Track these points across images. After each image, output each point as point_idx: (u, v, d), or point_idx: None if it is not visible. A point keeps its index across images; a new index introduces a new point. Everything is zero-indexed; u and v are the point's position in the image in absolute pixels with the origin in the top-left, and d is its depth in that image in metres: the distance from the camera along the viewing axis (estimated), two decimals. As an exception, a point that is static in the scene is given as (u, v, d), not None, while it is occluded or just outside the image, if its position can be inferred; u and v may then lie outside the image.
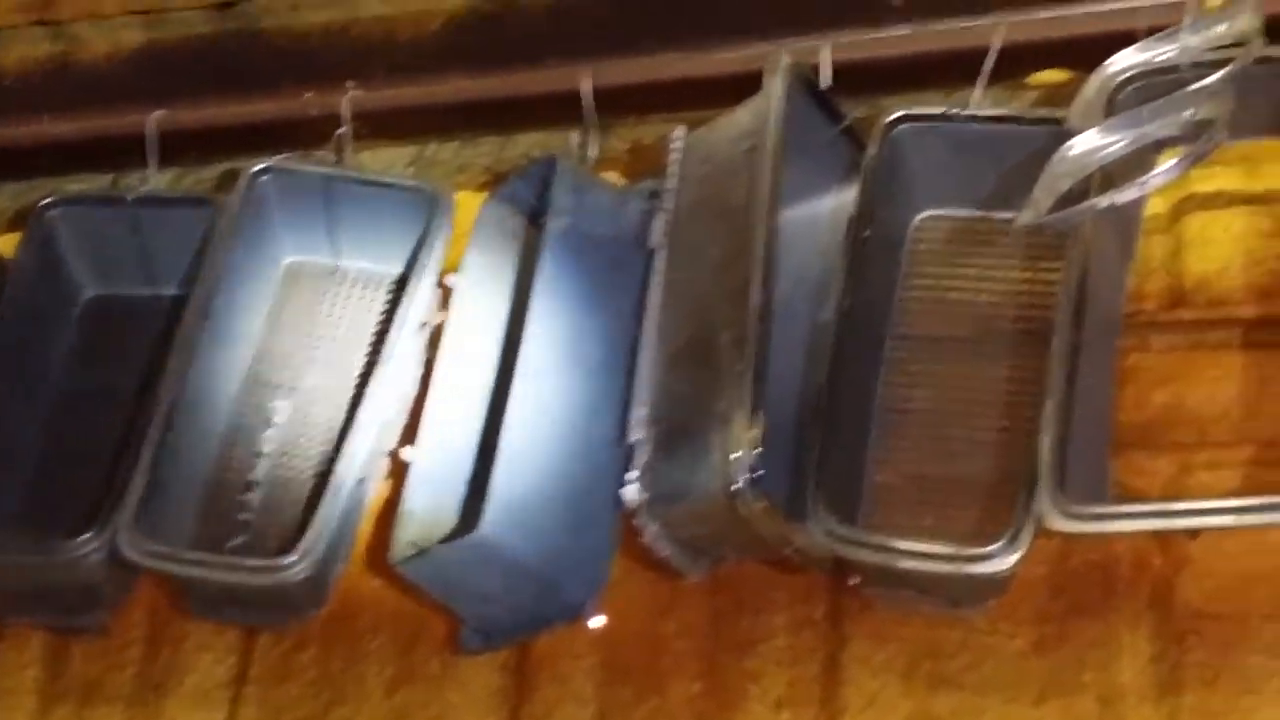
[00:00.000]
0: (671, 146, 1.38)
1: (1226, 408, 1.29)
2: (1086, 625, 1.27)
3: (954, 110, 1.33)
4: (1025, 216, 1.20)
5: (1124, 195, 1.15)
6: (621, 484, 1.26)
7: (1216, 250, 1.34)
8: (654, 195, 1.38)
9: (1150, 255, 1.35)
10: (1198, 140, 1.13)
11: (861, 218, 1.31)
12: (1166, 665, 1.24)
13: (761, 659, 1.34)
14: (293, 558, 1.31)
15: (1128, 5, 1.31)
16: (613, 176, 1.51)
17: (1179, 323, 1.32)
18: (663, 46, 1.47)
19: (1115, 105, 1.27)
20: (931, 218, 1.38)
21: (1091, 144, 1.20)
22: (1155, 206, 1.37)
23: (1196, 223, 1.35)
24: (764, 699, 1.33)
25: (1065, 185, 1.20)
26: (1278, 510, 1.12)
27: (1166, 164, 1.16)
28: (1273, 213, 1.32)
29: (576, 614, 1.31)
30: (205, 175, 1.63)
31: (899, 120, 1.34)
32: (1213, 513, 1.16)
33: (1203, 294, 1.33)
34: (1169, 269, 1.35)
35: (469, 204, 1.48)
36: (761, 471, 1.19)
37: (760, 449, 1.19)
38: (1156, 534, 1.25)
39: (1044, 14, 1.35)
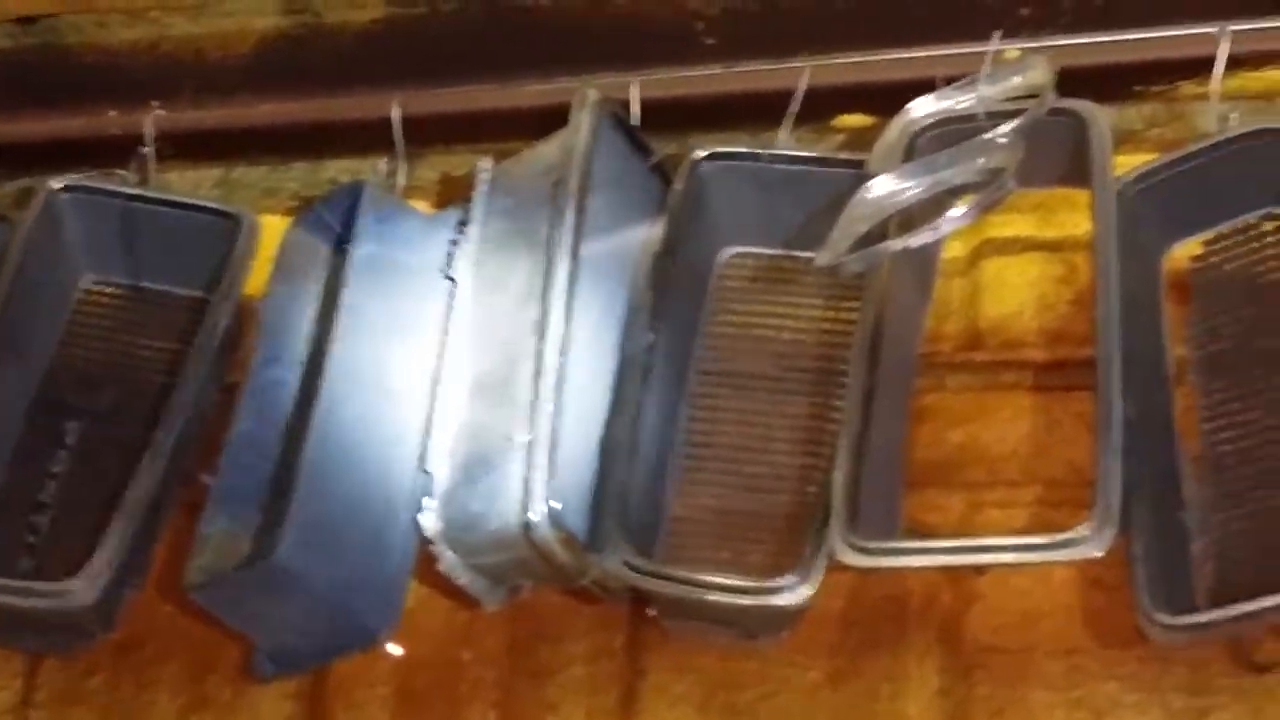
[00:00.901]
0: (478, 177, 1.38)
1: (1017, 447, 1.32)
2: (878, 658, 1.29)
3: (760, 150, 1.35)
4: (824, 257, 1.22)
5: (917, 239, 1.18)
6: (420, 512, 1.26)
7: (1011, 294, 1.38)
8: (461, 224, 1.37)
9: (948, 298, 1.38)
10: (989, 187, 1.17)
11: (666, 253, 1.33)
12: (954, 698, 1.27)
13: (560, 688, 1.34)
14: (78, 581, 1.28)
15: (928, 54, 1.34)
16: (422, 205, 1.50)
17: (974, 364, 1.35)
18: (475, 77, 1.46)
19: (914, 150, 1.30)
20: (737, 255, 1.40)
21: (889, 188, 1.23)
22: (954, 250, 1.40)
23: (993, 267, 1.39)
24: (561, 728, 1.37)
25: (863, 227, 1.23)
26: (1061, 548, 1.14)
27: (959, 209, 1.19)
28: (1065, 259, 1.36)
29: (372, 642, 1.29)
30: (4, 191, 1.59)
31: (706, 158, 1.35)
32: (998, 550, 1.19)
33: (997, 337, 1.36)
34: (965, 312, 1.38)
35: (277, 228, 1.46)
36: (559, 503, 1.20)
37: (557, 480, 1.21)
38: (947, 570, 1.28)
39: (848, 59, 1.37)
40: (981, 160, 1.20)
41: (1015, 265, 1.39)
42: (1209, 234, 1.30)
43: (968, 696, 1.27)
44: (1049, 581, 1.28)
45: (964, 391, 1.35)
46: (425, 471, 1.27)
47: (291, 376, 1.37)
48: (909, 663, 1.28)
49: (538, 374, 1.23)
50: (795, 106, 1.35)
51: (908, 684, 1.28)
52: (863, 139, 1.39)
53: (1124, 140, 1.37)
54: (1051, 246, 1.38)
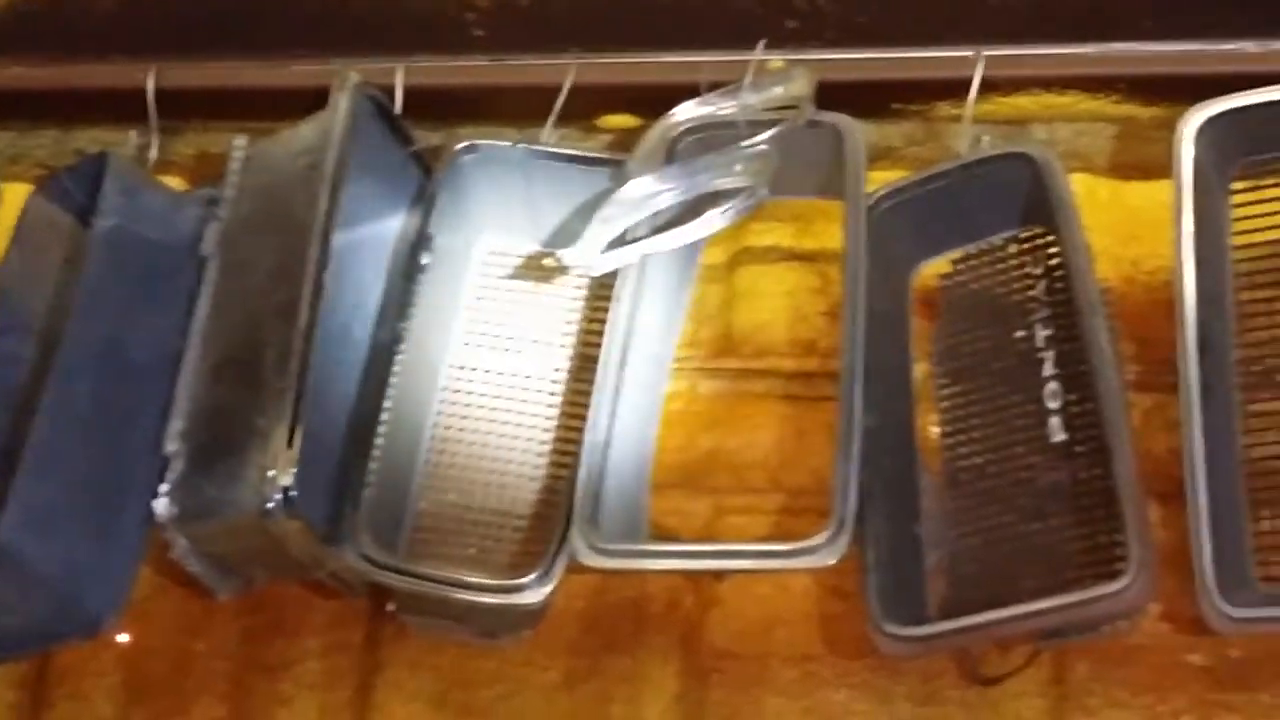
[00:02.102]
0: (232, 155, 1.35)
1: (764, 455, 1.33)
2: (618, 660, 1.29)
3: (521, 145, 1.34)
4: (575, 255, 1.22)
5: (668, 241, 1.19)
6: (154, 496, 1.23)
7: (766, 303, 1.39)
8: (212, 203, 1.34)
9: (705, 303, 1.39)
10: (742, 194, 1.18)
11: (420, 244, 1.31)
12: (690, 702, 1.27)
13: (293, 682, 1.32)
14: None
15: (694, 59, 1.34)
16: (177, 182, 1.46)
17: (726, 370, 1.36)
18: (236, 53, 1.44)
19: (675, 153, 1.30)
20: (496, 249, 1.39)
21: (645, 189, 1.23)
22: (713, 256, 1.41)
23: (749, 275, 1.40)
24: (292, 723, 1.34)
25: (618, 227, 1.23)
26: (797, 556, 1.16)
27: (712, 214, 1.20)
28: (820, 270, 1.37)
29: (97, 629, 1.25)
30: None
31: (466, 149, 1.34)
32: (737, 555, 1.21)
33: (750, 344, 1.37)
34: (721, 318, 1.39)
35: (21, 196, 1.40)
36: (296, 492, 1.17)
37: (297, 469, 1.18)
38: (689, 574, 1.29)
39: (615, 59, 1.37)
40: (738, 167, 1.21)
41: (771, 274, 1.40)
42: (957, 253, 1.33)
43: (703, 701, 1.27)
44: (789, 589, 1.29)
45: (715, 397, 1.36)
46: (162, 454, 1.24)
47: (25, 349, 1.32)
48: (649, 666, 1.29)
49: (282, 359, 1.20)
50: (560, 103, 1.34)
51: (646, 686, 1.28)
52: (629, 140, 1.38)
53: (882, 156, 1.40)
54: (808, 257, 1.39)
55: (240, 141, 1.36)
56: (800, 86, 1.29)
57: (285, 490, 1.17)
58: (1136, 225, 1.35)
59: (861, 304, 1.23)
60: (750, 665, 1.28)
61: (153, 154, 1.41)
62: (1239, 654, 1.21)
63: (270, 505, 1.17)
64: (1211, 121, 1.22)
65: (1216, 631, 1.13)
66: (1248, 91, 1.23)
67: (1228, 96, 1.23)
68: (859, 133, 1.28)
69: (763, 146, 1.22)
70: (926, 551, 1.24)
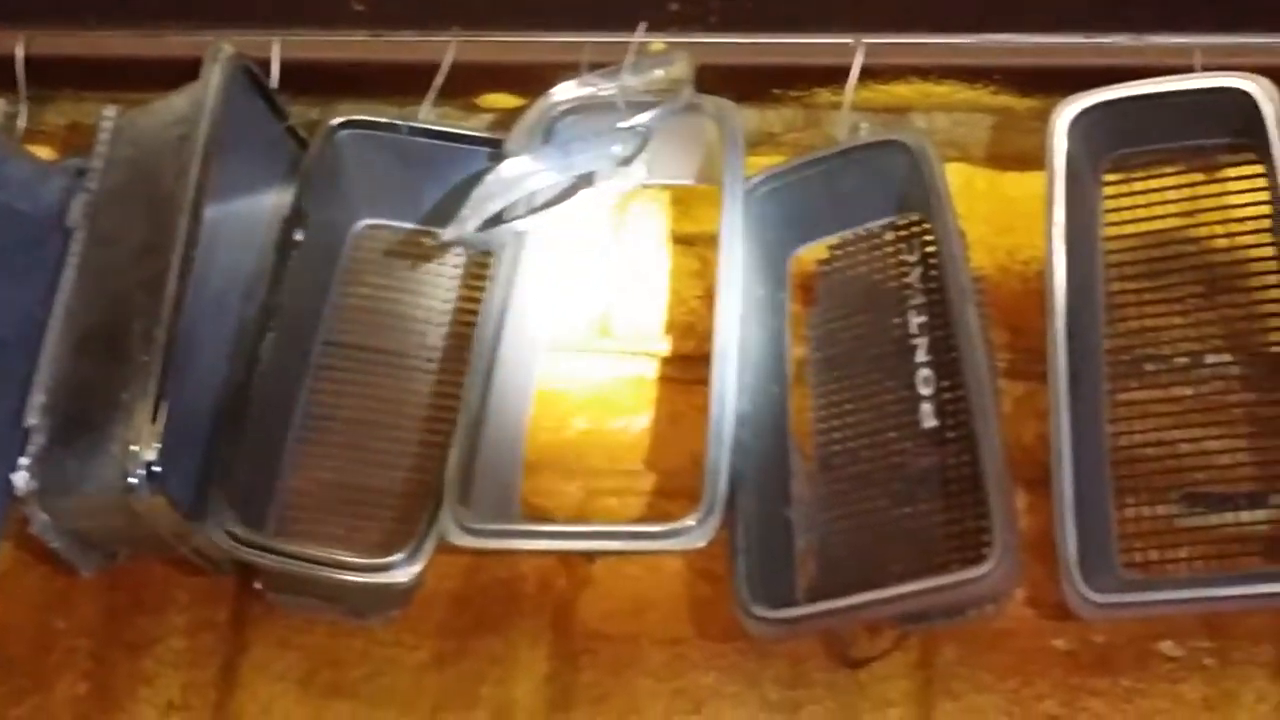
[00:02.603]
0: (101, 125, 1.32)
1: (638, 437, 1.33)
2: (488, 641, 1.29)
3: (398, 121, 1.33)
4: (449, 232, 1.22)
5: (544, 222, 1.18)
6: (14, 470, 1.21)
7: (645, 285, 1.38)
8: (80, 173, 1.32)
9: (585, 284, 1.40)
10: (618, 175, 1.18)
11: (294, 219, 1.29)
12: (560, 683, 1.27)
13: (156, 660, 1.31)
14: None
15: (575, 39, 1.33)
16: (47, 152, 1.44)
17: (603, 352, 1.36)
18: (109, 22, 1.41)
19: (553, 133, 1.30)
20: (371, 226, 1.38)
21: (521, 169, 1.23)
22: (595, 237, 1.41)
23: (629, 257, 1.39)
24: (154, 701, 1.30)
25: (494, 206, 1.23)
26: (667, 538, 1.16)
27: (584, 195, 1.20)
28: (699, 254, 1.38)
29: (-49, 606, 1.25)
30: None
31: (342, 125, 1.33)
32: (607, 537, 1.20)
33: (628, 326, 1.38)
34: (600, 299, 1.40)
35: (-119, 163, 1.39)
36: (160, 467, 1.15)
37: (162, 444, 1.16)
38: (561, 555, 1.29)
39: (495, 38, 1.36)
40: (616, 148, 1.21)
41: (651, 257, 1.39)
42: (835, 239, 1.33)
43: (573, 682, 1.27)
44: (660, 571, 1.29)
45: (592, 379, 1.36)
46: (22, 427, 1.22)
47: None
48: (519, 647, 1.29)
49: (148, 333, 1.19)
50: (440, 80, 1.34)
51: (516, 668, 1.28)
52: (509, 119, 1.37)
53: (763, 142, 1.40)
54: (687, 240, 1.40)
55: (110, 111, 1.34)
56: (681, 70, 1.29)
57: (148, 466, 1.15)
58: (1012, 215, 1.36)
59: (736, 288, 1.23)
60: (621, 647, 1.28)
61: (21, 123, 1.38)
62: (1102, 639, 1.23)
63: (133, 481, 1.15)
64: (1084, 114, 1.24)
65: (1080, 617, 1.15)
66: (1119, 85, 1.24)
67: (1100, 90, 1.24)
68: (738, 117, 1.29)
69: (641, 128, 1.22)
70: (797, 535, 1.25)
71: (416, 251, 1.38)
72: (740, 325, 1.23)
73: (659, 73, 1.30)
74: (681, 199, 1.41)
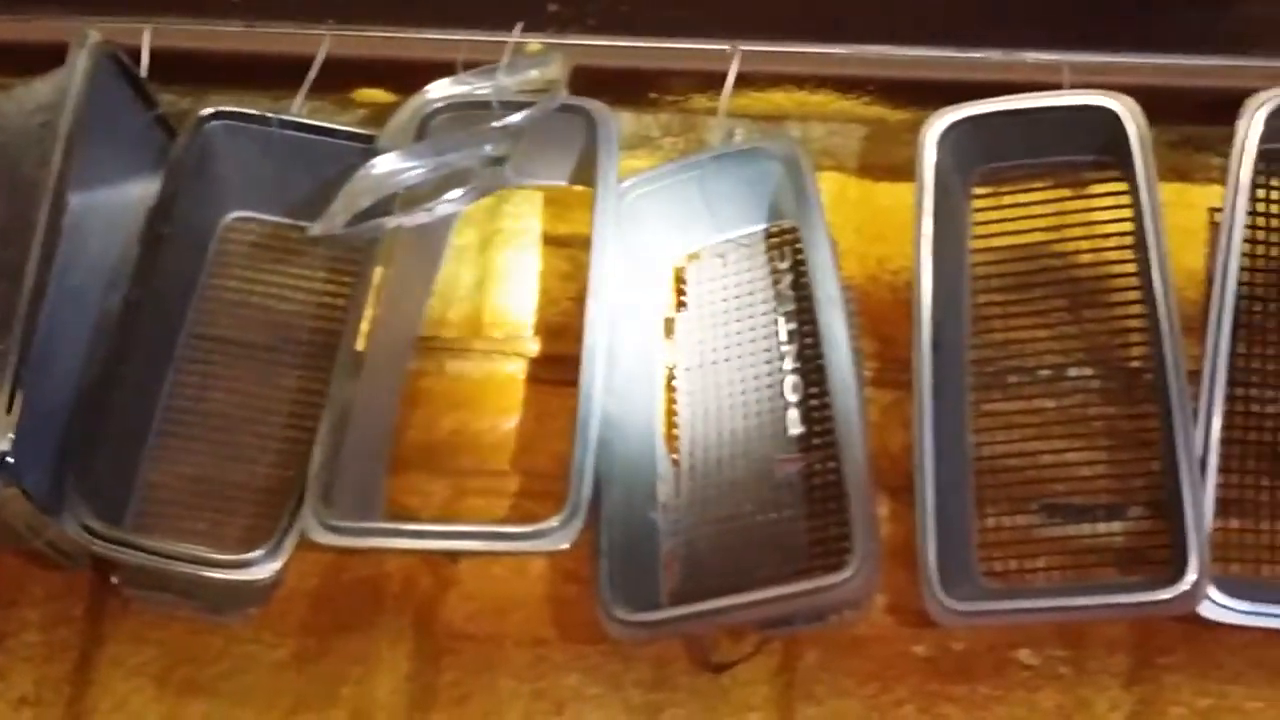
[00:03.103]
0: (-39, 110, 1.32)
1: (507, 437, 1.33)
2: (351, 640, 1.28)
3: (270, 114, 1.32)
4: (318, 227, 1.21)
5: (411, 218, 1.17)
6: None
7: (518, 286, 1.39)
8: (-61, 158, 1.30)
9: (457, 284, 1.39)
10: (487, 174, 1.18)
11: (161, 211, 1.28)
12: (421, 683, 1.27)
13: (9, 655, 1.28)
14: None
15: (451, 38, 1.33)
16: (-92, 135, 1.42)
17: (474, 351, 1.36)
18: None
19: (426, 131, 1.29)
20: (241, 219, 1.37)
21: (393, 165, 1.22)
22: (467, 237, 1.40)
23: (502, 258, 1.40)
24: (7, 695, 1.28)
25: (364, 202, 1.22)
26: (529, 539, 1.16)
27: (457, 193, 1.19)
28: (572, 256, 1.38)
29: None
30: None
31: (212, 116, 1.32)
32: (469, 537, 1.20)
33: (500, 327, 1.37)
34: (472, 299, 1.38)
35: None
36: (13, 458, 1.13)
37: (16, 434, 1.14)
38: (425, 555, 1.28)
39: (371, 32, 1.36)
40: (487, 147, 1.20)
41: (525, 258, 1.40)
42: (707, 244, 1.33)
43: (434, 682, 1.27)
44: (526, 572, 1.29)
45: (462, 378, 1.36)
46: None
47: None
48: (381, 646, 1.28)
49: (4, 321, 1.16)
50: (313, 74, 1.33)
51: (378, 666, 1.27)
52: (384, 114, 1.36)
53: (640, 145, 1.41)
54: (561, 242, 1.40)
55: (-32, 96, 1.32)
56: (556, 70, 1.29)
57: (2, 456, 1.13)
58: (884, 225, 1.38)
59: (607, 291, 1.23)
60: (484, 647, 1.27)
61: (-118, 106, 1.37)
62: (961, 646, 1.25)
63: (-14, 471, 1.15)
64: (953, 127, 1.25)
65: (939, 624, 1.16)
66: (989, 100, 1.26)
67: (969, 104, 1.26)
68: (612, 119, 1.29)
69: (513, 128, 1.22)
70: (663, 539, 1.26)
71: (286, 245, 1.36)
72: (610, 328, 1.24)
73: (534, 73, 1.30)
74: (556, 200, 1.41)
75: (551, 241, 1.40)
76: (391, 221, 1.18)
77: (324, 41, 1.32)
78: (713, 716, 1.25)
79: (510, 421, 1.34)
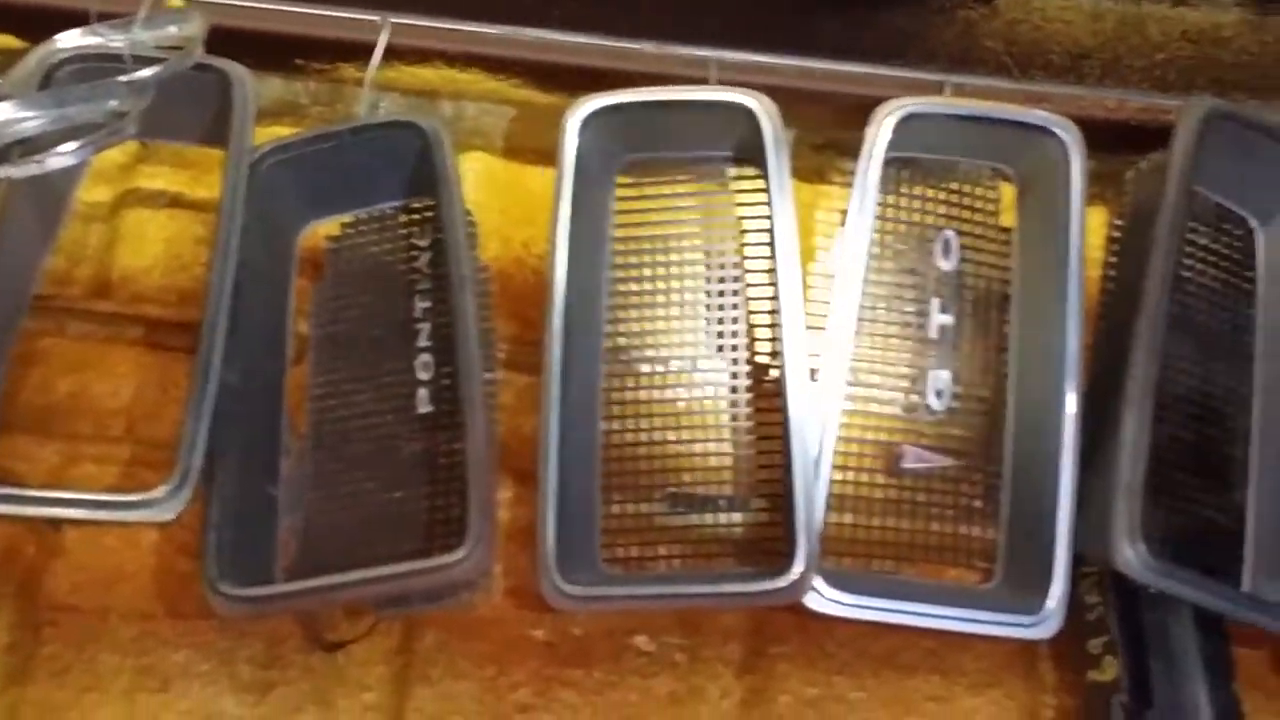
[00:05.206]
0: None
1: (127, 404, 1.29)
2: (-52, 609, 1.24)
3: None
4: (-84, 175, 1.15)
5: (20, 170, 1.12)
6: None
7: (149, 248, 1.35)
8: None
9: (84, 242, 1.34)
10: (105, 129, 1.13)
11: None
12: (20, 655, 1.22)
13: None
14: None
15: (87, -13, 1.30)
16: None
17: (97, 314, 1.31)
18: None
19: (52, 81, 1.24)
20: None
21: (9, 114, 1.16)
22: (98, 195, 1.36)
23: (135, 218, 1.35)
24: None
25: (-25, 151, 1.17)
26: (134, 509, 1.12)
27: (68, 146, 1.15)
28: (207, 221, 1.34)
29: None
30: None
31: None
32: (71, 504, 1.14)
33: (126, 289, 1.33)
34: (100, 259, 1.34)
35: None
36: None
37: None
38: (29, 522, 1.23)
39: (0, -26, 1.31)
40: (113, 102, 1.16)
41: (157, 220, 1.36)
42: (347, 217, 1.31)
43: (34, 655, 1.22)
44: (137, 543, 1.25)
45: (83, 340, 1.31)
46: None
47: None
48: (-19, 617, 1.24)
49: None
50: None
51: (-23, 637, 1.24)
52: (9, 62, 1.29)
53: (288, 112, 1.39)
54: (197, 206, 1.36)
55: None
56: (195, 28, 1.24)
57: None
58: (533, 208, 1.37)
59: (233, 257, 1.20)
60: (88, 620, 1.23)
61: None
62: (581, 631, 1.26)
63: None
64: (596, 115, 1.25)
65: (556, 608, 1.17)
66: (633, 90, 1.27)
67: (613, 92, 1.26)
68: (249, 82, 1.25)
69: (140, 84, 1.18)
70: (282, 513, 1.23)
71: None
72: (237, 296, 1.20)
73: (174, 29, 1.25)
74: (196, 162, 1.37)
75: (187, 204, 1.36)
76: (2, 171, 1.13)
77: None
78: (324, 696, 1.23)
79: (130, 387, 1.29)
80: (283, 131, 1.32)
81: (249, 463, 1.21)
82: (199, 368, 1.15)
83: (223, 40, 1.28)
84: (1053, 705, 1.25)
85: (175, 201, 1.36)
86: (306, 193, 1.28)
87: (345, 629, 1.24)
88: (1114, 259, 1.28)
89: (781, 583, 1.15)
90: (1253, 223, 1.30)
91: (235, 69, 1.24)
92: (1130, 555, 1.13)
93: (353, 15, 1.31)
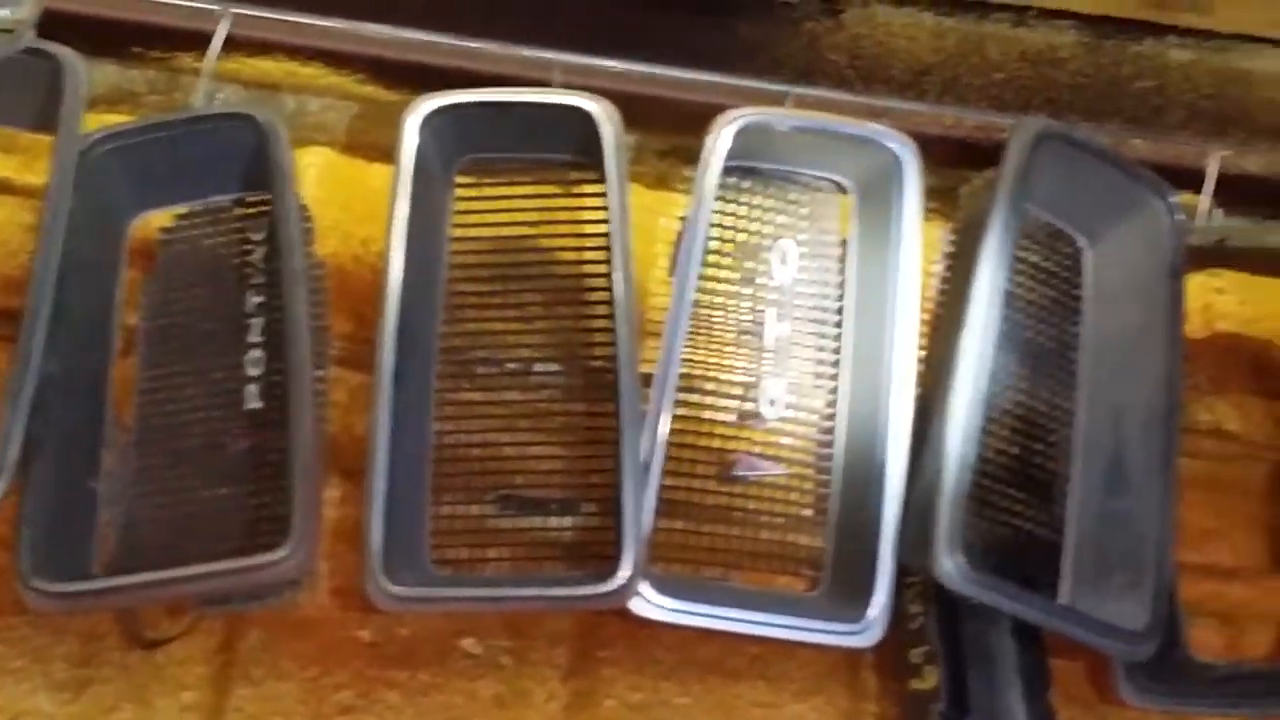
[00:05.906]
0: None
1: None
2: None
3: None
4: None
5: None
6: None
7: (-25, 236, 1.34)
8: None
9: (-92, 229, 1.32)
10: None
11: None
12: None
13: None
14: None
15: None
16: None
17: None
18: None
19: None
20: None
21: None
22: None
23: (-45, 206, 1.34)
24: None
25: None
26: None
27: None
28: (35, 207, 1.30)
29: None
30: None
31: None
32: None
33: (-53, 278, 1.32)
34: (-76, 246, 1.32)
35: None
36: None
37: None
38: None
39: None
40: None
41: (-17, 206, 1.35)
42: (181, 208, 1.29)
43: None
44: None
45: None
46: None
47: None
48: None
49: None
50: None
51: None
52: None
53: (124, 100, 1.37)
54: (26, 192, 1.33)
55: None
56: (26, 11, 1.22)
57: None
58: (374, 205, 1.34)
59: (58, 246, 1.17)
60: None
61: None
62: (407, 633, 1.24)
63: None
64: (436, 114, 1.24)
65: (382, 609, 1.15)
66: (473, 90, 1.26)
67: (453, 92, 1.25)
68: (80, 68, 1.22)
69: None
70: (102, 508, 1.21)
71: None
72: (63, 286, 1.18)
73: (5, 12, 1.23)
74: (28, 148, 1.34)
75: (17, 191, 1.33)
76: None
77: None
78: (141, 694, 1.21)
79: (-50, 376, 1.27)
80: (118, 119, 1.29)
81: (68, 456, 1.18)
82: (18, 358, 1.13)
83: (57, 24, 1.26)
84: (874, 713, 1.27)
85: (3, 188, 1.32)
86: (138, 182, 1.26)
87: (165, 626, 1.22)
88: (947, 274, 1.30)
89: (608, 587, 1.15)
90: (1081, 242, 1.34)
91: (66, 54, 1.21)
92: (950, 566, 1.15)
93: (192, 4, 1.30)
